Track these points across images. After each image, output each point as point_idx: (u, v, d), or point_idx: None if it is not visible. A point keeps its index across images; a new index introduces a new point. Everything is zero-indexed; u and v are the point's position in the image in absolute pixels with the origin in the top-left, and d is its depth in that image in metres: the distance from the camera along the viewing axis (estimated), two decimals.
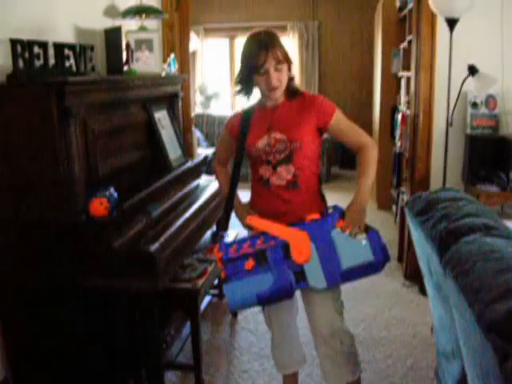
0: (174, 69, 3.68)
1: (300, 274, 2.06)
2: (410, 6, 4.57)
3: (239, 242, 2.13)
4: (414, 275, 3.97)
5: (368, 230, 2.10)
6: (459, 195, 2.01)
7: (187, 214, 2.90)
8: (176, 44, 4.35)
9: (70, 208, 2.30)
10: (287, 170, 2.20)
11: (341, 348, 2.24)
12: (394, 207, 5.73)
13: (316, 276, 2.06)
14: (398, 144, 5.18)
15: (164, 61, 3.75)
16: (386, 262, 2.09)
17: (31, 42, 2.36)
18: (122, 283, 2.31)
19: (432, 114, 3.90)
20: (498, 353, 1.11)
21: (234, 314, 3.64)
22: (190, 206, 3.05)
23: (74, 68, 2.63)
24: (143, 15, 3.42)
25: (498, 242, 1.53)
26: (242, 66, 2.21)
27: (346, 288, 2.29)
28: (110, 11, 3.39)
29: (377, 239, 2.08)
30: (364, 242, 2.07)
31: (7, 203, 2.33)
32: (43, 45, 2.43)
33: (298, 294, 2.24)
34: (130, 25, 3.50)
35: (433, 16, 3.73)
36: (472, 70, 3.61)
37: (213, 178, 3.42)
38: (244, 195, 2.37)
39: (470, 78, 3.63)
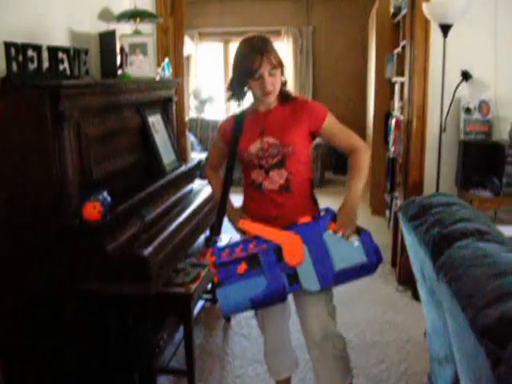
0: (168, 73, 3.68)
1: (293, 277, 2.06)
2: (404, 11, 4.59)
3: (232, 247, 2.13)
4: (407, 280, 3.97)
5: (360, 231, 2.11)
6: (452, 200, 2.01)
7: (181, 219, 2.90)
8: (170, 48, 4.35)
9: (63, 212, 2.29)
10: (280, 174, 2.20)
11: (333, 352, 2.24)
12: (387, 212, 5.74)
13: (309, 278, 2.06)
14: (392, 149, 5.19)
15: (158, 65, 3.75)
16: (378, 263, 2.10)
17: (25, 46, 2.36)
18: (115, 287, 2.30)
19: (425, 119, 3.91)
20: (491, 357, 1.11)
21: (228, 319, 3.63)
22: (183, 210, 3.05)
23: (68, 72, 2.63)
24: (138, 19, 3.41)
25: (491, 247, 1.53)
26: (235, 71, 2.21)
27: (339, 293, 2.29)
28: (105, 15, 3.39)
29: (369, 240, 2.09)
30: (356, 243, 2.08)
31: (0, 206, 2.31)
32: (37, 48, 2.43)
33: (290, 297, 2.23)
34: (124, 29, 3.50)
35: (426, 22, 3.75)
36: (465, 76, 3.63)
37: (206, 182, 3.42)
38: (236, 199, 2.37)
39: (464, 84, 3.65)
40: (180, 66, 4.54)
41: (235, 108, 2.35)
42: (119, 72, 3.16)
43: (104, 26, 3.33)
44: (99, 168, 2.58)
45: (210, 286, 3.55)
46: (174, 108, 3.72)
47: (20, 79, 2.32)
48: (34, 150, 2.25)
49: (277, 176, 2.20)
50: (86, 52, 2.81)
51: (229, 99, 2.30)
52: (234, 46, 8.83)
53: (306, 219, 2.13)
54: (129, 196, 2.62)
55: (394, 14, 5.45)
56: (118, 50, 3.14)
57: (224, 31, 8.79)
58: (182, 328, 2.82)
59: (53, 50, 2.53)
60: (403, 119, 4.32)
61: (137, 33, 3.40)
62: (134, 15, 3.38)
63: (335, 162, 8.31)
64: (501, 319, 1.15)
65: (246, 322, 3.59)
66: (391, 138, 5.25)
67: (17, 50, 2.31)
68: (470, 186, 3.71)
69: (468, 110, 3.84)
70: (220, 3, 8.57)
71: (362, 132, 6.51)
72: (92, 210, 2.30)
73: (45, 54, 2.48)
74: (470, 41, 3.79)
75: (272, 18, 8.51)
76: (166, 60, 3.77)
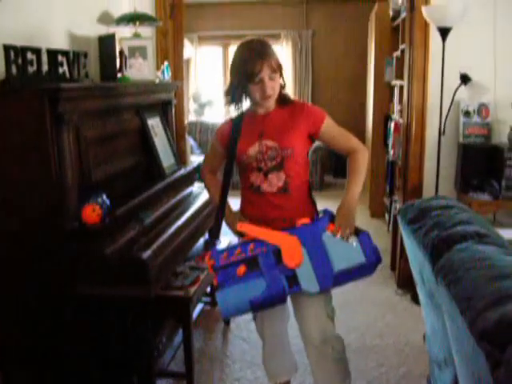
0: (167, 76, 3.69)
1: (292, 279, 2.06)
2: (403, 15, 4.60)
3: (230, 249, 2.13)
4: (406, 283, 3.96)
5: (358, 232, 2.11)
6: (451, 203, 2.01)
7: (180, 222, 2.89)
8: (170, 51, 4.36)
9: (62, 214, 2.29)
10: (278, 177, 2.20)
11: (332, 354, 2.24)
12: (386, 215, 5.74)
13: (308, 280, 2.05)
14: (391, 152, 5.20)
15: (158, 68, 3.76)
16: (378, 263, 2.10)
17: (25, 49, 2.36)
18: (114, 290, 2.30)
19: (425, 122, 3.92)
20: (490, 360, 1.11)
21: (227, 322, 3.62)
22: (182, 213, 3.05)
23: (68, 74, 2.63)
24: (137, 22, 3.42)
25: (490, 250, 1.53)
26: (233, 75, 2.20)
27: (339, 296, 2.29)
28: (104, 18, 3.39)
29: (368, 241, 2.10)
30: (355, 244, 2.08)
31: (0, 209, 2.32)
32: (37, 51, 2.43)
33: (288, 301, 2.22)
34: (123, 32, 3.50)
35: (426, 25, 3.76)
36: (464, 79, 3.63)
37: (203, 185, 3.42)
38: (233, 203, 2.37)
39: (463, 87, 3.65)
40: (179, 69, 4.55)
41: (234, 111, 2.35)
42: (119, 75, 3.16)
43: (104, 30, 3.33)
44: (98, 171, 2.58)
45: (209, 289, 3.54)
46: (174, 111, 3.72)
47: (19, 82, 2.32)
48: (33, 152, 2.25)
49: (275, 178, 2.20)
50: (86, 55, 2.81)
51: (227, 104, 2.30)
52: (233, 49, 8.83)
53: (304, 221, 2.14)
54: (128, 199, 2.62)
55: (394, 18, 5.46)
56: (117, 53, 3.14)
57: (223, 35, 8.80)
58: (181, 331, 2.82)
59: (52, 53, 2.53)
60: (402, 122, 4.33)
61: (136, 36, 3.41)
62: (133, 18, 3.38)
63: (335, 165, 8.31)
64: (500, 322, 1.15)
65: (245, 325, 3.58)
66: (390, 141, 5.26)
67: (16, 53, 2.31)
68: (469, 189, 3.71)
69: (467, 113, 3.84)
70: (219, 7, 8.59)
71: (361, 135, 6.52)
72: (91, 213, 2.30)
73: (44, 57, 2.48)
74: (469, 44, 3.80)
75: (271, 22, 8.52)
76: (166, 63, 3.78)
